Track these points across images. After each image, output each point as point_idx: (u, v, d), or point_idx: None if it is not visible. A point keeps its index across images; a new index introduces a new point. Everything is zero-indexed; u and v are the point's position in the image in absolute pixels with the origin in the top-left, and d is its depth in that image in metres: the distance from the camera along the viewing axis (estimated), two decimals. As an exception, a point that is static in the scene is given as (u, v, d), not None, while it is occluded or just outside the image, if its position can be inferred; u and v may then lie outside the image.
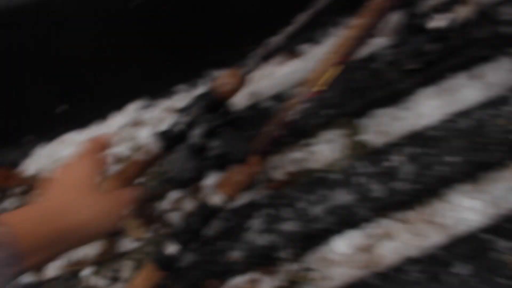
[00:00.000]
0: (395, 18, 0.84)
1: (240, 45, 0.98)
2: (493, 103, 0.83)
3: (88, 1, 0.85)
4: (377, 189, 0.76)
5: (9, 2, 0.81)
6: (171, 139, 0.59)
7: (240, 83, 0.65)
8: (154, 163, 0.61)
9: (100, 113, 1.01)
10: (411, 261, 0.70)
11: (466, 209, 0.74)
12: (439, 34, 0.84)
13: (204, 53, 0.96)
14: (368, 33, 0.72)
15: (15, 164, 0.99)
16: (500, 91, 0.84)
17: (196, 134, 0.54)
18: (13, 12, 0.82)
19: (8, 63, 0.89)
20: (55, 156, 1.00)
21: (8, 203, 0.94)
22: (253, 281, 0.75)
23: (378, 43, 0.94)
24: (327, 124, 0.87)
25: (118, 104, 0.99)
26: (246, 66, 0.67)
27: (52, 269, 0.85)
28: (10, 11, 0.81)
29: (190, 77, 0.99)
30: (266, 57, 0.69)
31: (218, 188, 0.60)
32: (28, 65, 0.92)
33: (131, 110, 1.01)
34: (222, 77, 0.64)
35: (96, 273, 0.82)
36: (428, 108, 0.86)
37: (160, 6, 0.88)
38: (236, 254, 0.76)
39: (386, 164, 0.78)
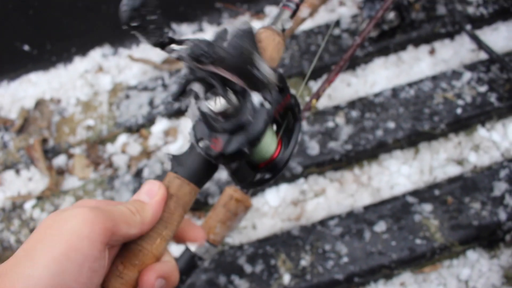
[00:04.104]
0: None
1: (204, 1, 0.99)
2: (443, 78, 0.83)
3: None
4: (314, 147, 0.78)
5: None
6: None
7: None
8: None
9: (64, 57, 1.02)
10: (335, 218, 0.72)
11: (397, 174, 0.75)
12: (403, 6, 0.85)
13: (168, 6, 0.97)
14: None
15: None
16: (453, 67, 0.84)
17: None
18: None
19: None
20: (17, 95, 1.02)
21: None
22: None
23: (341, 11, 0.95)
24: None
25: (82, 49, 1.00)
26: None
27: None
28: None
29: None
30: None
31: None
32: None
33: (95, 56, 1.02)
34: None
35: (38, 206, 0.85)
36: (379, 77, 0.87)
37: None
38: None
39: (327, 125, 0.80)
